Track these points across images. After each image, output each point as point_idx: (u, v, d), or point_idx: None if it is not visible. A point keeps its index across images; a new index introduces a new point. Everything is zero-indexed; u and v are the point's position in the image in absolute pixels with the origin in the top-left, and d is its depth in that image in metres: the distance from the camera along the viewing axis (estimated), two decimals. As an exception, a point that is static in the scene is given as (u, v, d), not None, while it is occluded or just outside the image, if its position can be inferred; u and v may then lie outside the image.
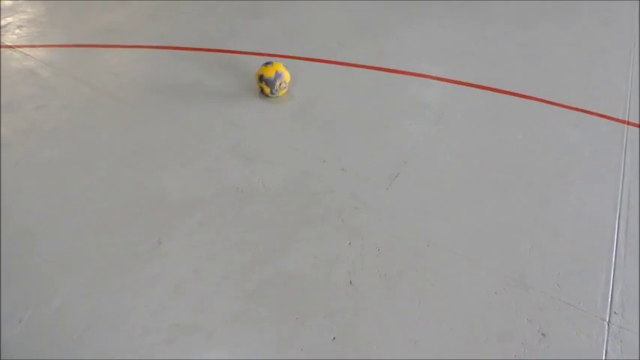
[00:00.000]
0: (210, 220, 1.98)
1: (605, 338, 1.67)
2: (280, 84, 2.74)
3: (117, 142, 2.39)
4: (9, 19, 3.56)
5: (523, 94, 2.98)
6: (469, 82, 3.07)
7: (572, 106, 2.89)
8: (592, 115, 2.82)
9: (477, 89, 3.01)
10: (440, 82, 3.07)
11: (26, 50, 3.16)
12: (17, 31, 3.41)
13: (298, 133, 2.51)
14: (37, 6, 3.80)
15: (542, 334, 1.67)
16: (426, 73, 3.14)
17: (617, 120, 2.79)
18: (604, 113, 2.84)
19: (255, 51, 3.27)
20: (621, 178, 2.35)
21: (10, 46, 3.19)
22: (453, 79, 3.10)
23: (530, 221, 2.08)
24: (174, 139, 2.42)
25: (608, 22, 4.14)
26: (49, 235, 1.89)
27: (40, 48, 3.20)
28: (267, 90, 2.73)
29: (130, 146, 2.36)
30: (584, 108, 2.88)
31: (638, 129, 2.72)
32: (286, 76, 2.74)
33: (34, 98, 2.68)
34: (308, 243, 1.91)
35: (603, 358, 1.63)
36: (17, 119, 2.51)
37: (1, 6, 3.77)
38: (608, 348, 1.65)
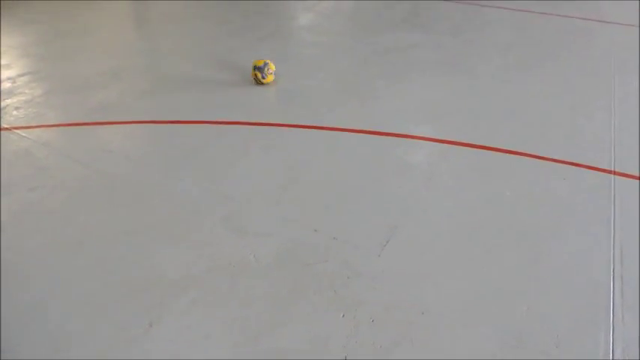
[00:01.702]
0: (203, 298, 1.97)
1: (610, 404, 1.63)
2: (267, 69, 3.81)
3: (109, 221, 2.41)
4: (7, 101, 3.68)
5: (509, 149, 3.04)
6: (455, 140, 3.14)
7: (559, 159, 2.94)
8: (579, 167, 2.87)
9: (464, 147, 3.07)
10: (426, 142, 3.14)
11: (23, 132, 3.24)
12: (14, 112, 3.51)
13: (288, 203, 2.54)
14: (35, 87, 3.93)
15: (545, 403, 1.62)
16: (412, 134, 3.21)
17: (604, 171, 2.83)
18: (590, 164, 2.89)
19: (245, 121, 3.36)
20: (612, 230, 2.36)
21: (7, 128, 3.27)
22: (439, 138, 3.17)
23: (524, 281, 2.07)
24: (167, 215, 2.44)
25: (586, 73, 4.27)
26: (37, 320, 1.87)
27: (36, 129, 3.29)
28: (259, 75, 3.80)
29: (122, 225, 2.38)
30: (570, 160, 2.93)
31: (624, 179, 2.75)
32: (271, 65, 3.84)
33: (28, 179, 2.73)
34: (301, 317, 1.89)
35: None
36: (11, 202, 2.54)
37: (0, 88, 3.90)
38: (614, 415, 1.60)
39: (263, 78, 3.85)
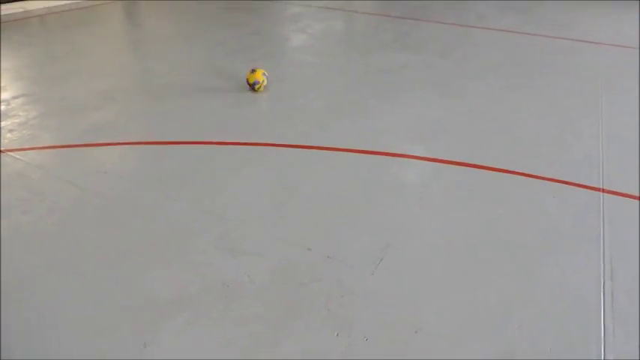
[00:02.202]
0: (198, 319, 1.97)
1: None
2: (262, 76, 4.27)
3: (104, 242, 2.42)
4: (2, 124, 3.69)
5: (500, 168, 3.08)
6: (446, 159, 3.18)
7: (548, 177, 2.99)
8: (569, 185, 2.91)
9: (455, 166, 3.11)
10: (418, 160, 3.18)
11: (16, 154, 3.25)
12: (8, 135, 3.52)
13: (282, 222, 2.56)
14: (29, 110, 3.95)
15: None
16: (405, 153, 3.25)
17: (593, 188, 2.88)
18: (580, 182, 2.94)
19: (239, 141, 3.39)
20: (602, 247, 2.39)
21: (1, 151, 3.28)
22: (430, 157, 3.21)
23: (516, 298, 2.09)
24: (161, 236, 2.45)
25: (574, 92, 4.36)
26: (31, 342, 1.86)
27: (30, 151, 3.30)
28: (257, 79, 4.26)
29: (116, 246, 2.38)
30: (560, 178, 2.98)
31: (613, 196, 2.80)
32: (261, 73, 4.30)
33: (22, 202, 2.73)
34: (296, 337, 1.89)
35: None
36: (4, 225, 2.54)
37: (-6, 111, 3.92)
38: None
39: (256, 84, 4.27)
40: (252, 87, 4.27)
